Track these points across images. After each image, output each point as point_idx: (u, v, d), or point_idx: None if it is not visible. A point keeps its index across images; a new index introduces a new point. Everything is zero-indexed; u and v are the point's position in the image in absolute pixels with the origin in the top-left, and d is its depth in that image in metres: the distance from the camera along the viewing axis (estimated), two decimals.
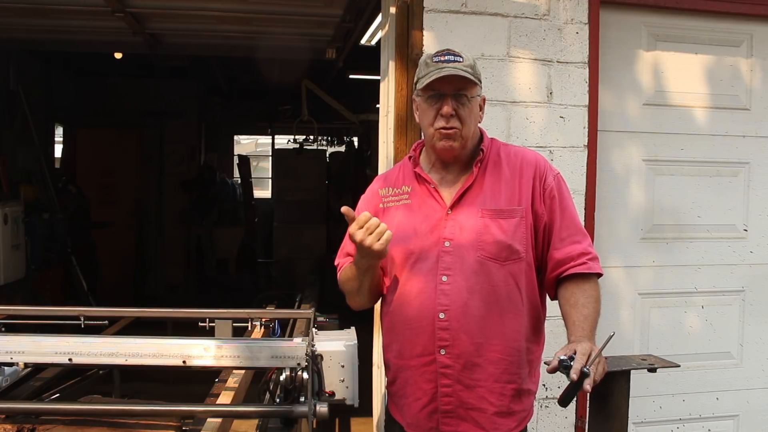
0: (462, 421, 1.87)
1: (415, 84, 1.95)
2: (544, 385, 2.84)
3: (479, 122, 1.96)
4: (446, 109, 1.85)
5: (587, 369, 1.63)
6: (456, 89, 1.86)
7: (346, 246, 2.03)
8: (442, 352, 1.85)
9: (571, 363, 1.66)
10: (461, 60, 1.87)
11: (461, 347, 1.84)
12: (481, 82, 1.92)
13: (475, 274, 1.84)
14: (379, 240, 1.75)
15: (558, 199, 1.93)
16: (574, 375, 1.62)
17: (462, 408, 1.86)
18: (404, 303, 1.90)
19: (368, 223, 1.75)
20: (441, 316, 1.84)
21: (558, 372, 1.70)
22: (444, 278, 1.85)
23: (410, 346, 1.90)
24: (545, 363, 1.86)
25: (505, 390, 1.86)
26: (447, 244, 1.87)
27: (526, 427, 1.96)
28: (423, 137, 2.02)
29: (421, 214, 1.91)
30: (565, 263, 1.89)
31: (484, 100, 1.97)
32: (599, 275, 1.92)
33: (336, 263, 2.07)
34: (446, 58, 1.87)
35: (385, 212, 1.97)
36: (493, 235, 1.86)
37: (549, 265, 1.92)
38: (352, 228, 1.77)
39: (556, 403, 2.90)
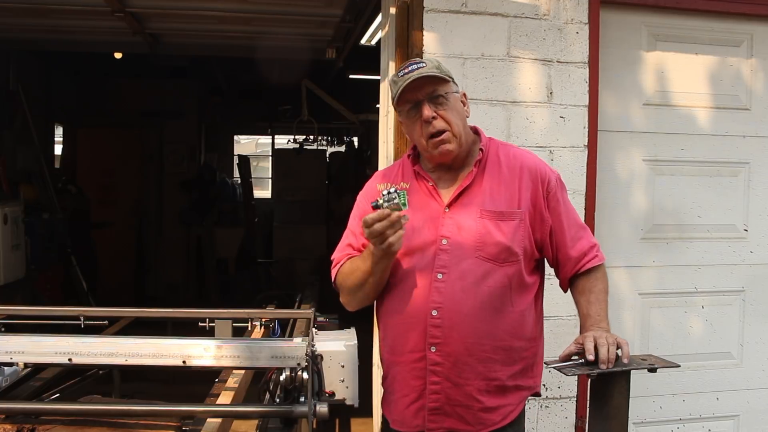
0: (447, 418, 1.88)
1: (394, 105, 1.95)
2: (544, 385, 2.83)
3: (467, 117, 1.97)
4: (426, 112, 1.86)
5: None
6: (429, 93, 1.87)
7: (347, 239, 2.04)
8: (433, 349, 1.85)
9: (573, 368, 1.70)
10: (424, 65, 1.89)
11: (452, 346, 1.85)
12: (453, 79, 1.93)
13: (471, 274, 1.85)
14: (393, 236, 1.75)
15: (562, 202, 1.96)
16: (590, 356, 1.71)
17: (449, 405, 1.87)
18: (399, 298, 1.91)
19: (380, 223, 1.74)
20: (434, 314, 1.85)
21: (558, 372, 1.71)
22: (439, 276, 1.86)
23: (402, 342, 1.91)
24: (545, 363, 1.87)
25: (489, 387, 1.88)
26: (444, 242, 1.88)
27: (520, 419, 1.95)
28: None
29: (419, 211, 1.91)
30: (580, 260, 1.96)
31: (464, 95, 1.99)
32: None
33: (332, 257, 2.05)
34: (409, 68, 1.89)
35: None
36: (493, 237, 1.87)
37: (567, 264, 1.96)
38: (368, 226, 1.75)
39: (556, 403, 2.92)
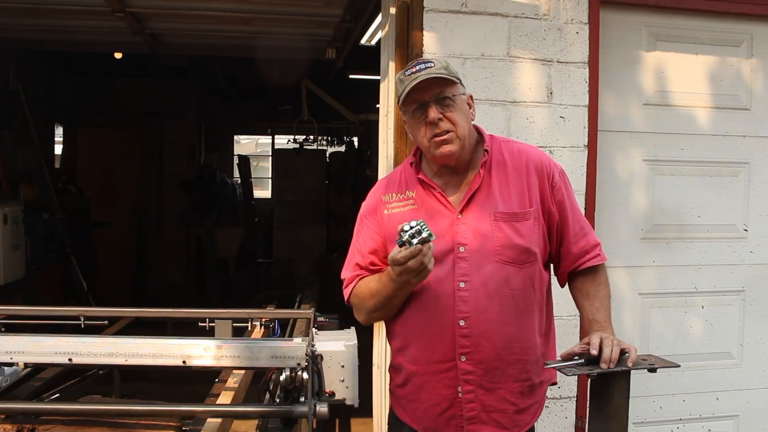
0: (484, 425, 1.86)
1: (398, 104, 1.92)
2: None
3: (472, 120, 1.94)
4: (432, 114, 1.83)
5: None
6: (435, 94, 1.84)
7: (354, 258, 1.99)
8: (463, 358, 1.84)
9: (573, 368, 1.70)
10: (433, 65, 1.86)
11: (483, 353, 1.83)
12: (460, 81, 1.90)
13: (493, 280, 1.84)
14: (430, 263, 1.71)
15: (566, 196, 1.95)
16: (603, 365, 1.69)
17: (484, 412, 1.86)
18: (420, 308, 1.88)
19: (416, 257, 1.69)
20: (461, 324, 1.83)
21: (558, 371, 1.72)
22: (461, 284, 1.84)
23: (428, 352, 1.88)
24: (545, 363, 1.87)
25: (522, 388, 1.88)
26: (462, 249, 1.85)
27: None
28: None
29: (430, 220, 1.85)
30: (581, 257, 1.95)
31: (471, 97, 1.95)
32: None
33: (343, 277, 2.00)
34: (417, 68, 1.85)
35: (390, 219, 1.93)
36: (510, 240, 1.85)
37: (566, 259, 1.96)
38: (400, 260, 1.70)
39: (556, 403, 2.92)
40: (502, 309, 1.84)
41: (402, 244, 1.69)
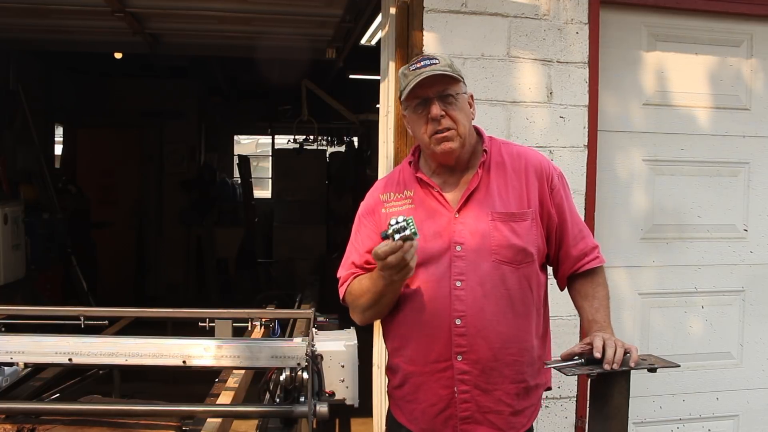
0: (479, 426, 1.86)
1: (401, 99, 1.92)
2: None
3: (472, 119, 1.95)
4: (434, 110, 1.83)
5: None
6: (439, 91, 1.84)
7: (351, 256, 1.98)
8: (459, 358, 1.83)
9: (573, 368, 1.70)
10: (437, 62, 1.86)
11: (479, 353, 1.83)
12: (463, 79, 1.91)
13: (490, 279, 1.84)
14: (411, 260, 1.70)
15: (565, 198, 1.96)
16: (607, 366, 1.68)
17: (479, 412, 1.85)
18: (416, 308, 1.87)
19: (396, 253, 1.67)
20: (457, 323, 1.82)
21: (558, 371, 1.72)
22: (458, 283, 1.83)
23: (424, 352, 1.87)
24: (544, 363, 1.87)
25: (519, 390, 1.88)
26: (458, 248, 1.85)
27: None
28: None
29: (428, 219, 1.87)
30: (581, 259, 1.95)
31: (471, 96, 1.96)
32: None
33: (339, 275, 2.00)
34: (422, 64, 1.85)
35: (388, 218, 1.90)
36: (507, 239, 1.85)
37: (566, 262, 1.96)
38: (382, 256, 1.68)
39: (556, 403, 2.93)
40: (498, 309, 1.83)
41: (385, 237, 1.67)
